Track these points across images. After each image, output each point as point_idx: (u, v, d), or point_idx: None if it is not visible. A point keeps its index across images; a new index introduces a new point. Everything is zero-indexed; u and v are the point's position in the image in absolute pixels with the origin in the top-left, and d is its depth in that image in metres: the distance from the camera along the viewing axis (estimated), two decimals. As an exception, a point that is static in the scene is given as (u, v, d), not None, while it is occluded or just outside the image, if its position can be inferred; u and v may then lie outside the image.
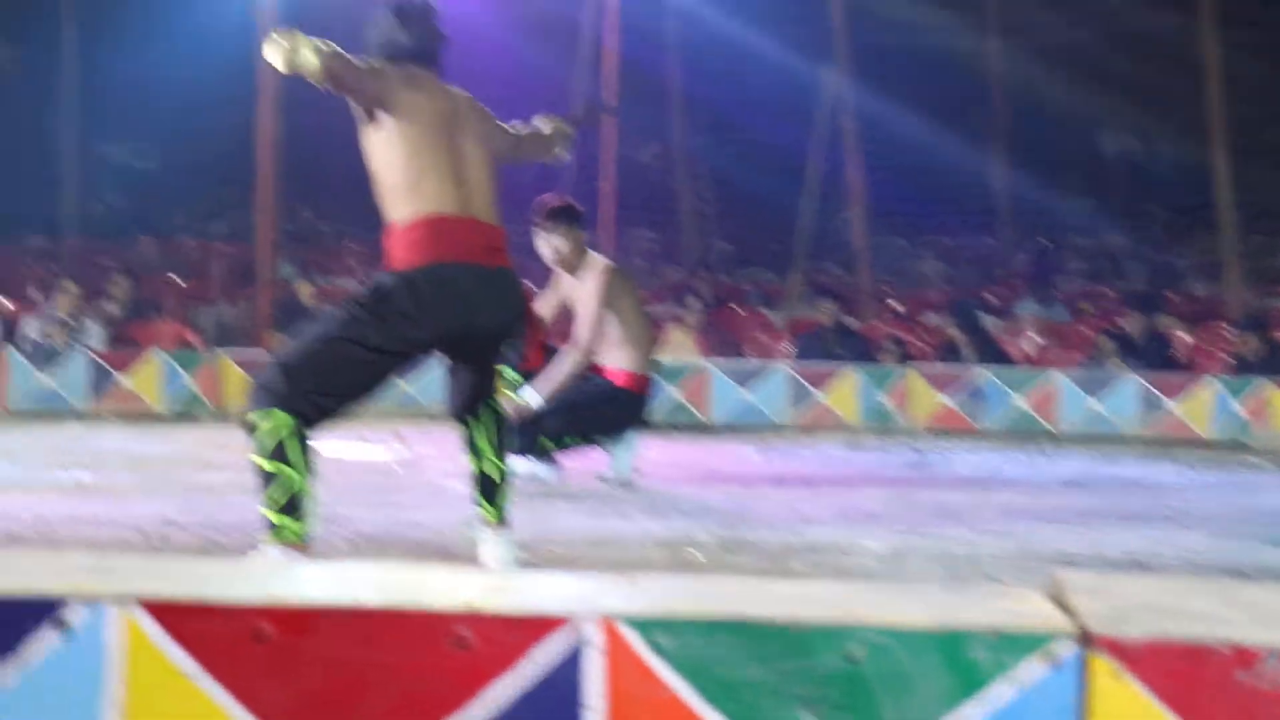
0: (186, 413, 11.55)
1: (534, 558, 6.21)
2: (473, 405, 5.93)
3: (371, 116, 5.65)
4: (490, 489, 5.94)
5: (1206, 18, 14.51)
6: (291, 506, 5.42)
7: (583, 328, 8.53)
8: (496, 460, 5.94)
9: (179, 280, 16.30)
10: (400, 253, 5.65)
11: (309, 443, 5.47)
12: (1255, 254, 20.12)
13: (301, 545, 5.41)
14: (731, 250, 21.45)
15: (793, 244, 16.57)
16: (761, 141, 24.30)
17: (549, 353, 8.60)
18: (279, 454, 5.42)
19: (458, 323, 5.65)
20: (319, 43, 5.42)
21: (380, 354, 5.57)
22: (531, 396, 8.42)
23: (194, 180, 21.72)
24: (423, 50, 5.81)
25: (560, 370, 8.51)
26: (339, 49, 5.46)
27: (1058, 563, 6.30)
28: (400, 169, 5.65)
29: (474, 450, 5.94)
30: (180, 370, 11.63)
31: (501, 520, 5.97)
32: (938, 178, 22.92)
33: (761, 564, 6.29)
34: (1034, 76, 23.28)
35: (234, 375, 11.71)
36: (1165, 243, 22.01)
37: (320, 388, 5.51)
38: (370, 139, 5.70)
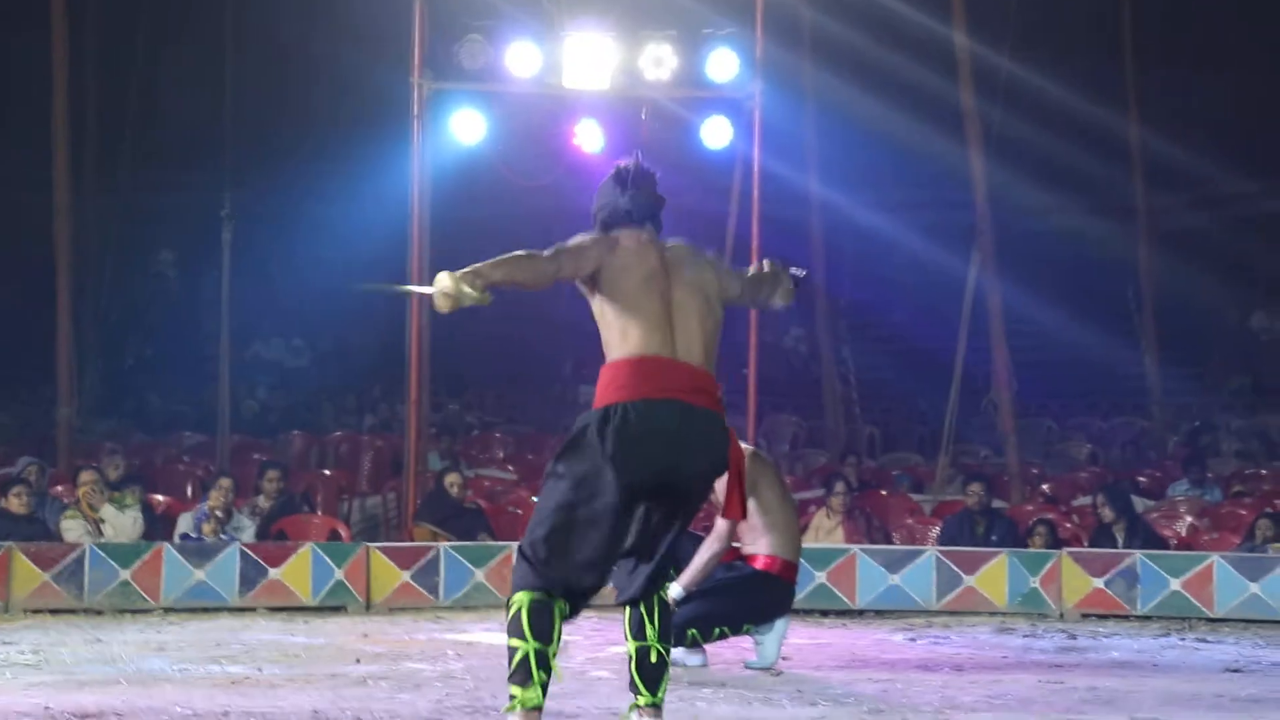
0: (335, 605, 11.66)
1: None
2: (648, 587, 6.03)
3: (588, 286, 6.09)
4: (651, 672, 6.05)
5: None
6: (523, 676, 5.80)
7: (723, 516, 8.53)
8: (660, 645, 6.05)
9: (328, 473, 16.54)
10: (602, 391, 5.96)
11: (552, 618, 5.82)
12: None
13: (533, 713, 5.80)
14: (878, 434, 21.37)
15: (940, 428, 16.47)
16: (904, 328, 24.31)
17: (696, 541, 8.62)
18: (514, 628, 5.84)
19: (659, 460, 5.84)
20: (481, 266, 5.89)
21: (590, 501, 5.81)
22: (674, 590, 8.41)
23: (344, 376, 22.11)
24: (636, 211, 6.30)
25: (703, 560, 8.52)
26: (517, 253, 5.94)
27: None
28: (613, 325, 6.04)
29: (639, 633, 6.05)
30: (329, 562, 11.76)
31: (657, 705, 6.06)
32: (1087, 361, 22.75)
33: (912, 751, 6.19)
34: (1179, 260, 23.17)
35: (382, 567, 11.81)
36: (1321, 423, 21.60)
37: (550, 557, 5.82)
38: (593, 305, 6.14)
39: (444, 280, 5.91)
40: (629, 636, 6.09)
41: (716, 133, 13.69)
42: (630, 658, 6.09)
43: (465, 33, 12.96)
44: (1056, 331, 22.45)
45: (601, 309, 6.09)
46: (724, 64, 13.22)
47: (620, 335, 6.02)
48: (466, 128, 13.54)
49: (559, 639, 5.89)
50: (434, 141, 13.47)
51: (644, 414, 5.87)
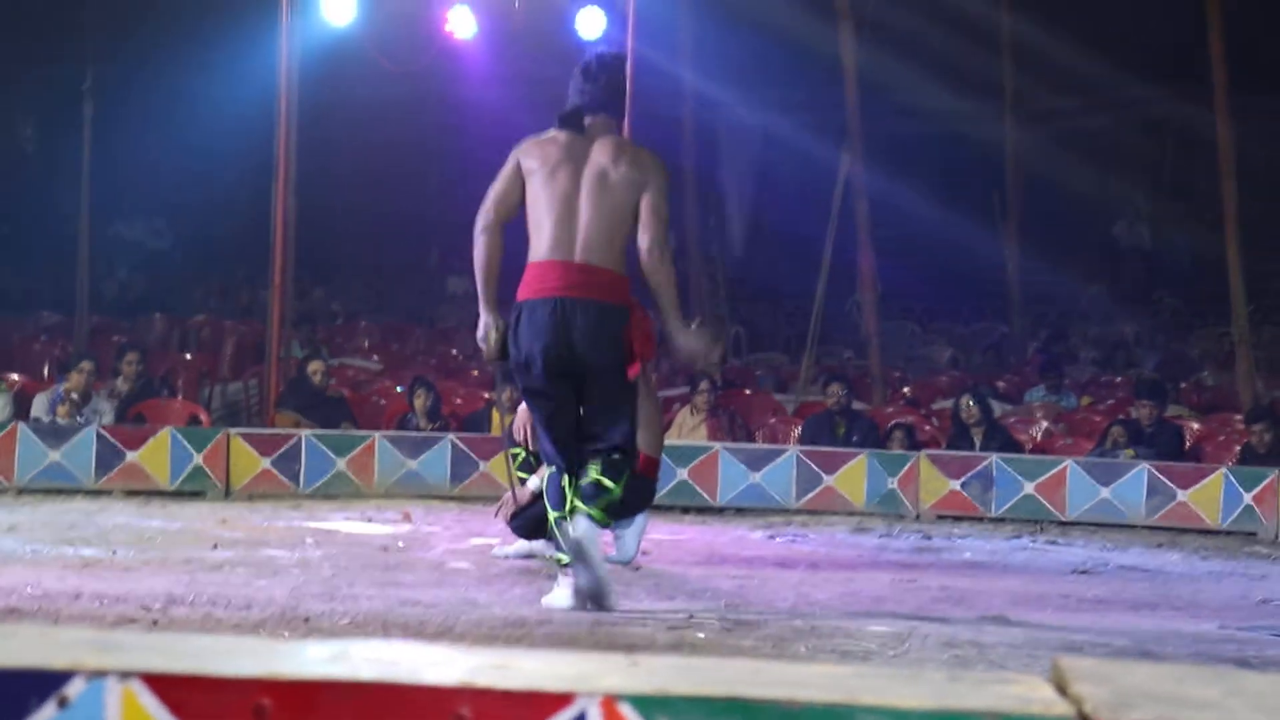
0: (194, 490, 11.55)
1: (536, 637, 6.20)
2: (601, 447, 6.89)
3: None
4: (617, 509, 7.10)
5: (1221, 109, 14.57)
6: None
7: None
8: (618, 486, 6.91)
9: (189, 358, 16.34)
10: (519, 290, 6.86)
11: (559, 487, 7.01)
12: (1267, 345, 20.12)
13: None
14: (744, 334, 21.47)
15: (806, 329, 16.56)
16: (776, 226, 24.39)
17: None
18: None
19: (552, 348, 6.72)
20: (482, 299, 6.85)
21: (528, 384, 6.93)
22: (533, 481, 8.43)
23: (207, 259, 21.82)
24: (586, 103, 6.92)
25: None
26: (478, 257, 6.83)
27: (1064, 650, 6.27)
28: (529, 225, 6.86)
29: (597, 483, 6.88)
30: (188, 447, 11.63)
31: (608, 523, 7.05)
32: (952, 264, 22.97)
33: (764, 646, 6.26)
34: (1049, 163, 23.38)
35: (242, 453, 11.71)
36: (1177, 332, 22.02)
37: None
38: None
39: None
40: (584, 481, 6.89)
41: (590, 22, 13.57)
42: (588, 498, 6.86)
43: (338, -88, 12.71)
44: (924, 234, 22.65)
45: (526, 216, 6.85)
46: (600, -47, 13.09)
47: (530, 237, 6.83)
48: (337, 9, 13.35)
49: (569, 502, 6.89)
50: (303, 23, 13.23)
51: (531, 311, 6.74)
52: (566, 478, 6.90)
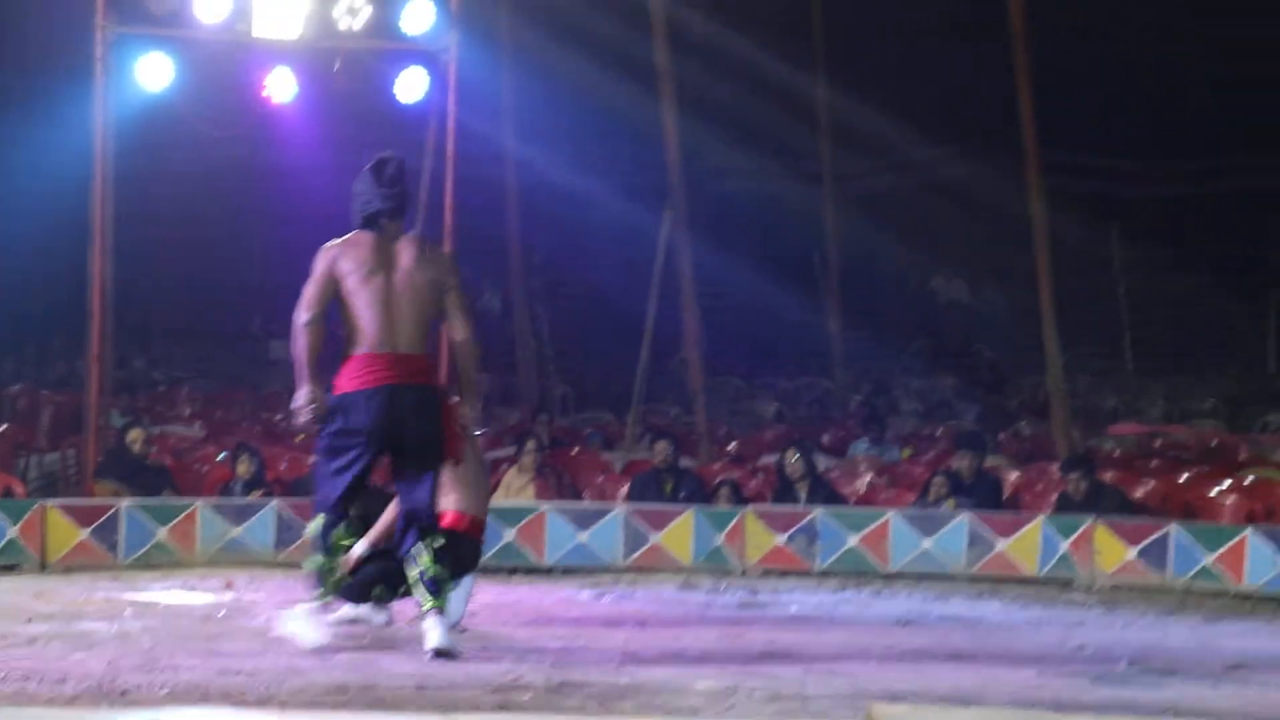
0: (8, 564, 11.27)
1: (360, 703, 6.15)
2: (418, 526, 7.76)
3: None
4: (430, 584, 7.69)
5: (1032, 168, 14.91)
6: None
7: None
8: (437, 567, 7.69)
9: (4, 429, 15.99)
10: (340, 382, 7.67)
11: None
12: (1082, 394, 20.60)
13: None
14: (570, 393, 21.53)
15: (631, 386, 16.66)
16: (600, 287, 24.53)
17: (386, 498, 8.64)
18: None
19: (383, 429, 7.60)
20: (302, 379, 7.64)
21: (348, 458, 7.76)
22: (359, 547, 8.38)
23: (22, 329, 21.40)
24: (387, 208, 7.74)
25: (389, 517, 8.48)
26: (299, 352, 7.64)
27: (886, 700, 6.35)
28: (346, 323, 7.69)
29: (414, 559, 7.72)
30: (2, 520, 11.35)
31: (440, 607, 7.68)
32: (775, 320, 23.27)
33: (590, 705, 6.27)
34: (868, 223, 23.83)
35: (59, 524, 11.46)
36: (994, 384, 22.46)
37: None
38: None
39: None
40: (410, 563, 7.74)
41: (411, 86, 13.52)
42: (413, 581, 7.72)
43: (151, -24, 12.59)
44: (746, 292, 22.92)
45: (340, 310, 7.62)
46: (419, 15, 13.06)
47: (350, 333, 7.66)
48: (153, 74, 13.14)
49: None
50: (119, 88, 13.06)
51: (368, 398, 7.60)
52: (341, 527, 7.82)
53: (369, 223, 7.75)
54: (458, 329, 7.84)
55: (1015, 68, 14.75)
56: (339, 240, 7.75)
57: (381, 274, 7.66)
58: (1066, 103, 21.60)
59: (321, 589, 7.82)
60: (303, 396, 7.66)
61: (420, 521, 7.80)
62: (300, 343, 7.66)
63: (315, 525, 7.89)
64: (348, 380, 7.68)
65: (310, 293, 7.68)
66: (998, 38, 15.11)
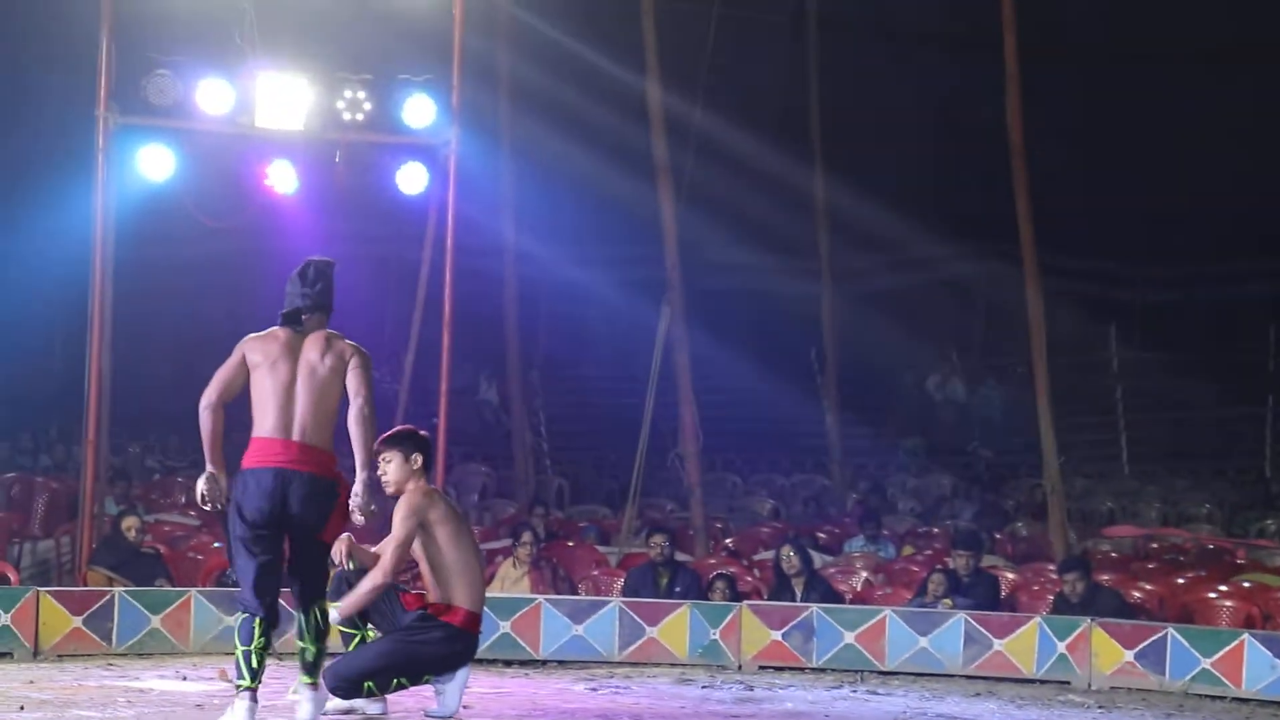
0: (2, 651, 11.20)
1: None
2: (305, 602, 8.19)
3: None
4: (310, 664, 8.16)
5: (1029, 269, 15.00)
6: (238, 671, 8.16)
7: (388, 548, 8.55)
8: (314, 645, 8.18)
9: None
10: (243, 460, 8.12)
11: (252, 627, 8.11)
12: (1078, 496, 20.56)
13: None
14: (567, 486, 21.48)
15: (628, 481, 16.62)
16: (597, 380, 24.54)
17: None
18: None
19: (268, 509, 8.04)
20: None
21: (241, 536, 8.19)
22: (333, 613, 8.39)
23: (18, 414, 21.36)
24: (306, 304, 8.26)
25: (362, 589, 8.49)
26: (211, 392, 8.20)
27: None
28: (252, 406, 8.20)
29: (301, 636, 8.19)
30: (-4, 607, 11.31)
31: (314, 684, 8.16)
32: (771, 417, 23.26)
33: (586, 799, 6.22)
34: (864, 320, 23.88)
35: (52, 612, 11.40)
36: (991, 484, 22.42)
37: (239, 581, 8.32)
38: None
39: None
40: (296, 637, 8.26)
41: (412, 179, 13.60)
42: (298, 651, 8.22)
43: (154, 67, 12.66)
44: (743, 388, 22.92)
45: (250, 397, 8.21)
46: (420, 110, 13.16)
47: (254, 417, 8.19)
48: (154, 165, 13.20)
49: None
50: (120, 178, 13.12)
51: (257, 478, 8.09)
52: (259, 621, 8.08)
53: (288, 319, 8.29)
54: (351, 395, 8.21)
55: (1014, 176, 14.88)
56: (256, 334, 8.32)
57: (287, 365, 8.19)
58: (1065, 206, 21.73)
59: (244, 678, 8.09)
60: (202, 479, 8.14)
61: (306, 602, 8.21)
62: (203, 427, 8.19)
63: (238, 617, 8.22)
64: (245, 460, 8.21)
65: (217, 378, 8.26)
66: (998, 140, 15.24)
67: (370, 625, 8.67)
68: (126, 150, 13.09)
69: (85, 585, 12.32)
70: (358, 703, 8.54)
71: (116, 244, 13.27)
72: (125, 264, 13.72)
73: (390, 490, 8.71)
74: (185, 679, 10.26)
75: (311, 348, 8.26)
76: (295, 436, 8.13)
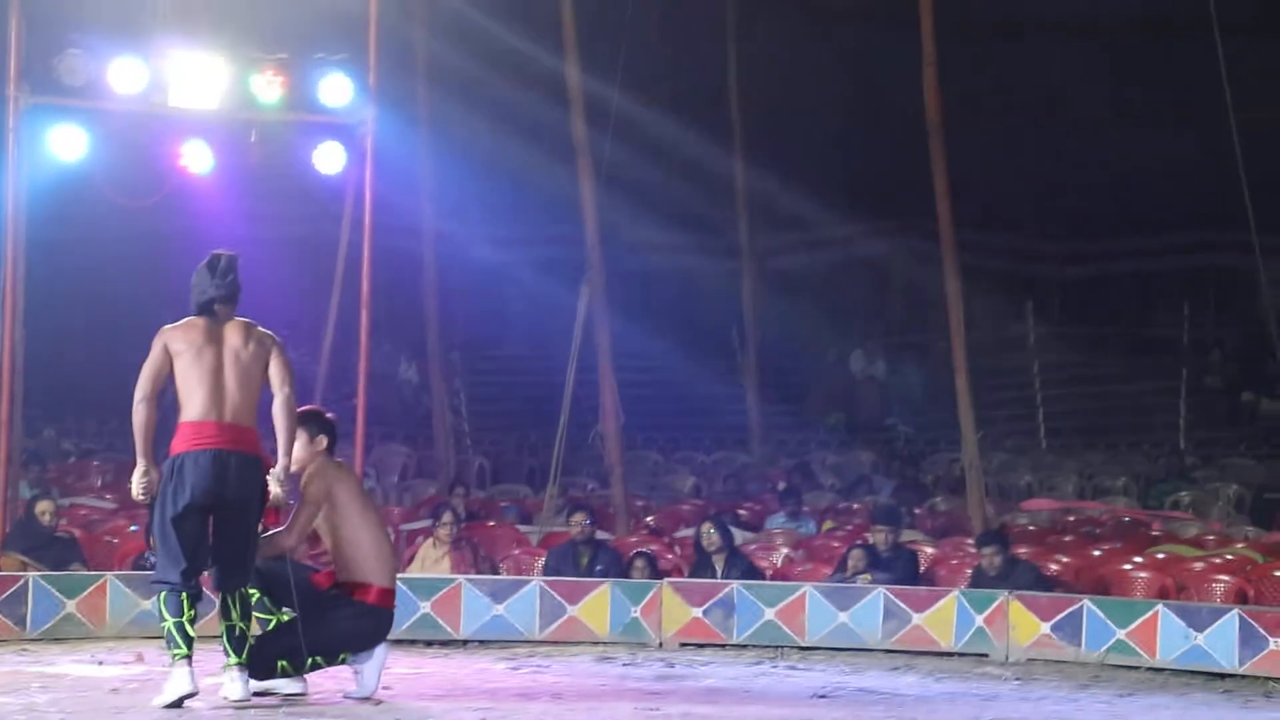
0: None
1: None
2: (228, 581, 8.29)
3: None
4: (236, 643, 8.23)
5: (947, 244, 15.07)
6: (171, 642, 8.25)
7: (296, 513, 8.60)
8: (241, 623, 8.26)
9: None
10: (174, 444, 8.35)
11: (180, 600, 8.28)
12: (996, 471, 20.73)
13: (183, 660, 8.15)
14: (488, 466, 21.45)
15: (549, 460, 16.62)
16: (517, 360, 24.50)
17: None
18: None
19: (202, 489, 8.21)
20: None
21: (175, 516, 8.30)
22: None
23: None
24: (219, 295, 8.51)
25: (265, 547, 8.51)
26: (143, 385, 8.37)
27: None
28: (179, 394, 8.43)
29: (227, 614, 8.27)
30: (-93, 592, 11.19)
31: (242, 664, 8.21)
32: (692, 395, 23.31)
33: (505, 778, 6.22)
34: (786, 299, 23.99)
35: (-36, 596, 11.30)
36: (910, 460, 22.56)
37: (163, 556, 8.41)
38: None
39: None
40: (220, 617, 8.31)
41: (329, 159, 13.49)
42: (222, 633, 8.25)
43: (65, 46, 12.50)
44: (664, 367, 22.96)
45: (175, 385, 8.43)
46: (337, 89, 13.04)
47: (183, 402, 8.41)
48: (67, 144, 13.03)
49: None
50: (32, 157, 12.95)
51: (194, 459, 8.28)
52: (185, 595, 8.23)
53: (202, 309, 8.52)
54: (277, 385, 8.50)
55: (932, 154, 14.95)
56: (174, 324, 8.54)
57: (211, 351, 8.43)
58: (981, 184, 21.86)
59: (179, 648, 8.20)
60: (138, 472, 8.35)
61: (232, 579, 8.33)
62: (136, 420, 8.38)
63: (159, 597, 8.34)
64: (179, 444, 8.38)
65: (146, 372, 8.45)
66: (915, 119, 15.30)
67: (284, 609, 8.63)
68: (38, 130, 12.91)
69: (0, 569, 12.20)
70: (276, 683, 8.50)
71: (29, 224, 13.10)
72: (38, 244, 13.56)
73: (294, 469, 8.72)
74: (101, 663, 10.19)
75: (233, 334, 8.50)
76: (228, 418, 8.35)
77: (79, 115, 13.02)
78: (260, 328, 8.62)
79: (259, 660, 8.33)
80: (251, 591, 8.55)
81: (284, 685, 8.53)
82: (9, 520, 12.96)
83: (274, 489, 8.38)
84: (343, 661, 8.61)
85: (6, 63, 12.58)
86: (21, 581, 11.50)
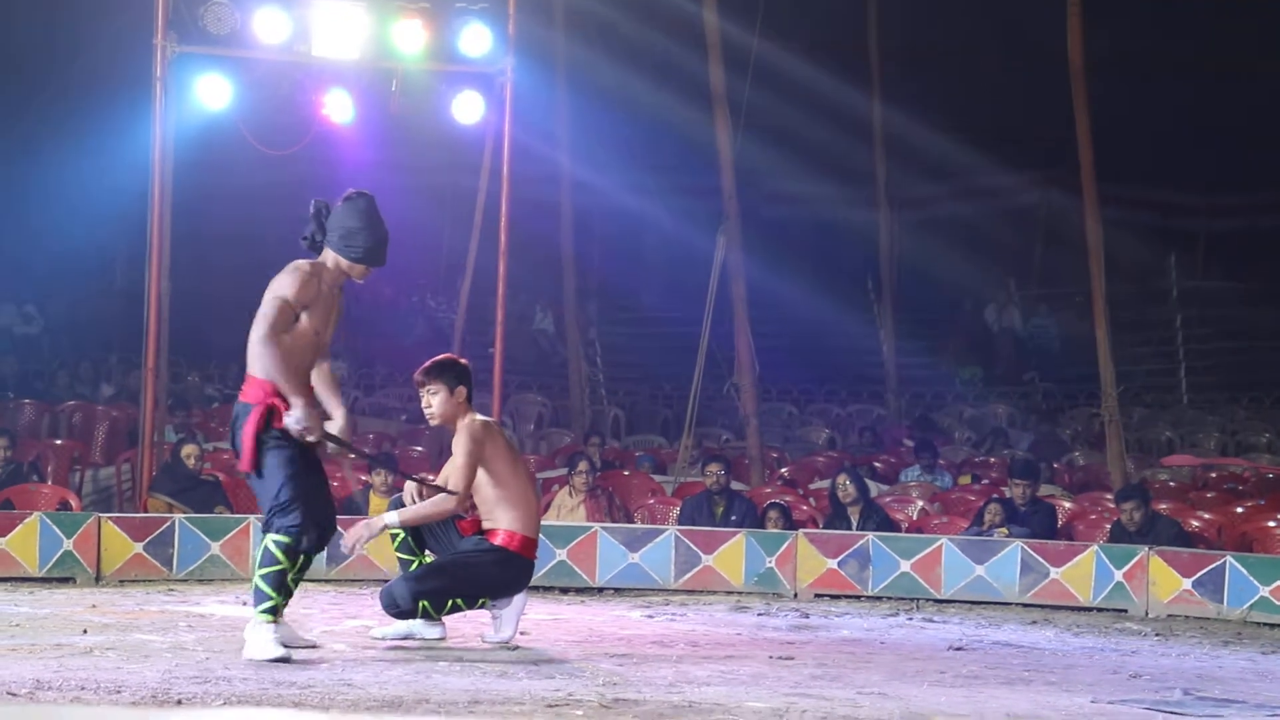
0: (63, 576, 11.34)
1: (414, 716, 6.16)
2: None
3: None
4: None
5: (1089, 197, 14.87)
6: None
7: (454, 481, 8.57)
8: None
9: (60, 443, 16.10)
10: None
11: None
12: (1136, 426, 20.48)
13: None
14: (622, 416, 21.53)
15: (684, 410, 16.64)
16: (654, 310, 24.52)
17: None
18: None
19: None
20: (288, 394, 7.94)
21: None
22: (390, 517, 8.45)
23: (79, 344, 21.52)
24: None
25: (426, 506, 8.52)
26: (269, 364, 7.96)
27: (939, 723, 6.32)
28: None
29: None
30: (58, 532, 11.44)
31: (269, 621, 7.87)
32: (828, 347, 23.23)
33: (644, 723, 6.26)
34: (922, 249, 23.77)
35: (114, 538, 11.53)
36: (1049, 413, 22.35)
37: None
38: None
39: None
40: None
41: (468, 108, 13.60)
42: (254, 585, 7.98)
43: (211, -4, 12.67)
44: (800, 317, 22.88)
45: None
46: (476, 38, 13.14)
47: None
48: (212, 93, 13.26)
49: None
50: (178, 106, 13.16)
51: None
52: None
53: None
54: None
55: (1074, 101, 14.74)
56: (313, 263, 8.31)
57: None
58: (1127, 135, 21.50)
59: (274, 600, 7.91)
60: (302, 412, 7.96)
61: (265, 528, 8.05)
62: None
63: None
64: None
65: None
66: (1060, 67, 15.08)
67: (427, 551, 8.71)
68: (184, 78, 13.14)
69: (146, 512, 12.44)
70: (416, 627, 8.59)
71: (175, 172, 13.33)
72: (183, 191, 13.79)
73: (434, 422, 8.76)
74: (245, 604, 10.35)
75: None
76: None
77: (224, 64, 13.24)
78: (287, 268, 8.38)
79: (401, 600, 8.42)
80: (395, 532, 8.63)
81: (423, 629, 8.62)
82: (156, 464, 13.24)
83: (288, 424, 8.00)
84: (482, 605, 8.68)
85: (155, 13, 12.78)
86: (168, 523, 11.71)
